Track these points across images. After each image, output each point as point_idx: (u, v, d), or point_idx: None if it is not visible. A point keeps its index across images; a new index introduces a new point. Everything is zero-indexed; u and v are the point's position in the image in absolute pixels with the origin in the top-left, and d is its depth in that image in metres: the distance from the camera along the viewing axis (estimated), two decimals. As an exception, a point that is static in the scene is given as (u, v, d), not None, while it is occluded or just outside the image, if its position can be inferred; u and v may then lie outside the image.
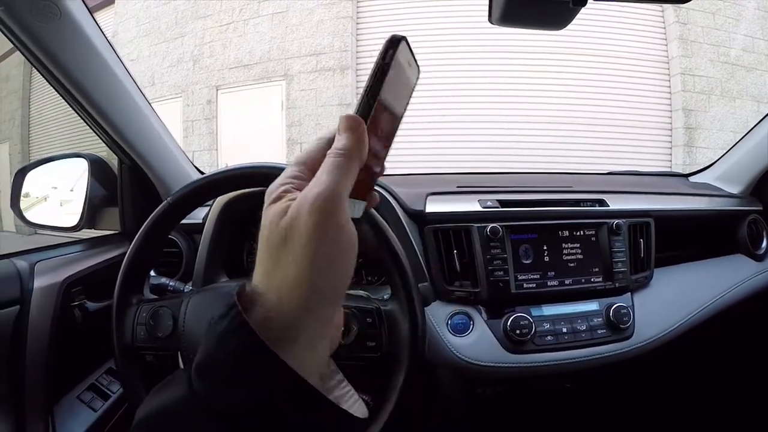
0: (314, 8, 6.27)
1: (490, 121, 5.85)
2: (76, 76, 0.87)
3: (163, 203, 0.76)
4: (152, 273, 0.99)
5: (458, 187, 1.12)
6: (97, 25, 0.87)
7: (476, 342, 0.97)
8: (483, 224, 0.99)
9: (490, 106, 5.88)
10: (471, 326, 0.98)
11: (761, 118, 1.29)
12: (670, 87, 6.14)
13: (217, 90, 6.68)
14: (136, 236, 0.76)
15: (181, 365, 0.75)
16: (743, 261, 1.25)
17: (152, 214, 0.76)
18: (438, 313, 0.99)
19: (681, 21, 6.04)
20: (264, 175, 0.74)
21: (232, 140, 6.48)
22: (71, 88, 0.88)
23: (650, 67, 6.14)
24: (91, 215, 1.08)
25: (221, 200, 1.01)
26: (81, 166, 1.10)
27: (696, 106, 6.01)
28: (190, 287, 0.99)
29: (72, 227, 1.06)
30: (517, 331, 0.95)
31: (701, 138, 5.95)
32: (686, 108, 5.98)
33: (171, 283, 0.98)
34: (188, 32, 6.89)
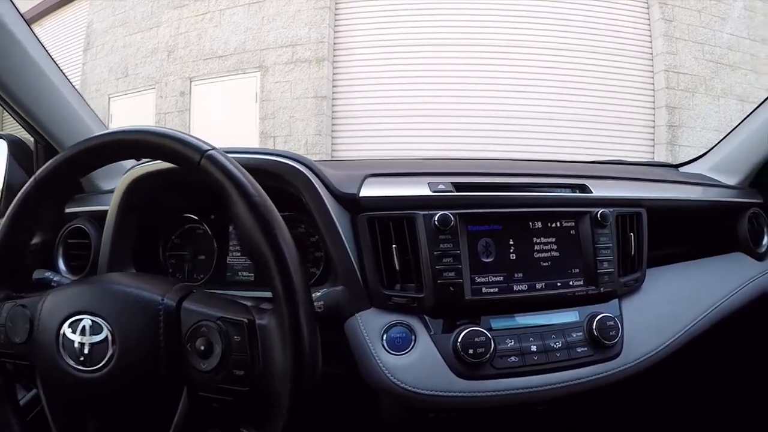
0: (291, -2, 6.23)
1: (467, 115, 5.86)
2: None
3: (28, 182, 0.65)
4: (61, 266, 0.95)
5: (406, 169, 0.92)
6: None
7: (417, 363, 0.76)
8: (431, 212, 0.78)
9: (468, 99, 5.88)
10: (412, 342, 0.77)
11: (757, 105, 1.16)
12: (653, 84, 6.22)
13: (191, 81, 6.65)
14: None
15: (38, 381, 0.59)
16: (744, 260, 1.10)
17: (17, 196, 0.65)
18: (371, 324, 0.78)
19: (666, 18, 6.18)
20: (137, 142, 0.61)
21: (205, 133, 6.27)
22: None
23: (634, 64, 6.22)
24: (9, 201, 0.95)
25: (125, 180, 0.86)
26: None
27: (680, 104, 6.09)
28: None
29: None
30: (471, 351, 0.73)
31: (684, 136, 6.03)
32: (670, 105, 6.06)
33: (55, 278, 0.82)
34: (164, 22, 6.87)
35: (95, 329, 0.54)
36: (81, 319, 0.55)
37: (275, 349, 0.53)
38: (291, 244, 0.53)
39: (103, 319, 0.55)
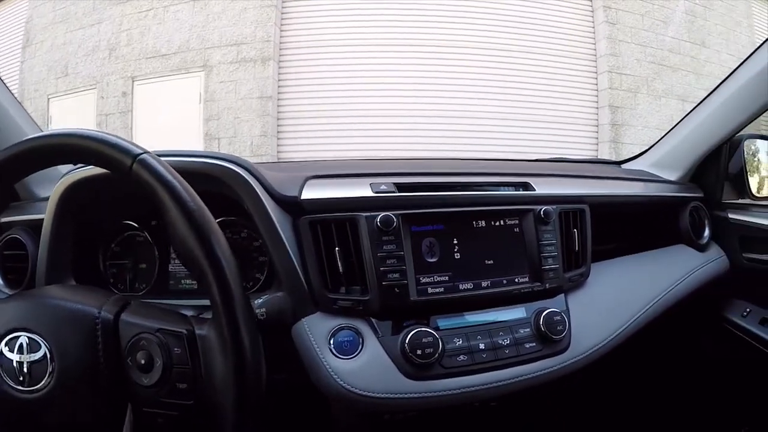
0: (238, -5, 6.09)
1: (412, 115, 5.88)
2: None
3: None
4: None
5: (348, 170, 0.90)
6: None
7: (366, 366, 0.74)
8: (373, 213, 0.76)
9: (413, 99, 5.90)
10: (360, 345, 0.75)
11: (697, 104, 1.19)
12: (597, 84, 6.40)
13: (133, 81, 6.39)
14: None
15: None
16: (686, 252, 1.13)
17: None
18: (318, 329, 0.75)
19: (610, 21, 6.38)
20: (64, 147, 0.58)
21: (148, 135, 6.15)
22: None
23: (579, 65, 6.38)
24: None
25: (60, 187, 0.80)
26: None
27: (622, 104, 6.29)
28: None
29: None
30: (419, 351, 0.72)
31: (627, 134, 6.22)
32: (612, 105, 6.24)
33: None
34: (106, 18, 6.56)
35: (33, 347, 0.52)
36: (18, 337, 0.52)
37: (216, 360, 0.52)
38: (227, 252, 0.51)
39: (40, 335, 0.52)
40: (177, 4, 6.26)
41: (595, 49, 6.38)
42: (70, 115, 6.57)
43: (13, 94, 1.01)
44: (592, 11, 6.42)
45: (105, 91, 6.45)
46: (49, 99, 6.78)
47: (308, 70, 5.98)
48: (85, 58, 6.58)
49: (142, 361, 0.52)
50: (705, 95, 1.16)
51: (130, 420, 0.54)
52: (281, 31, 6.05)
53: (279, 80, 5.98)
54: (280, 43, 6.04)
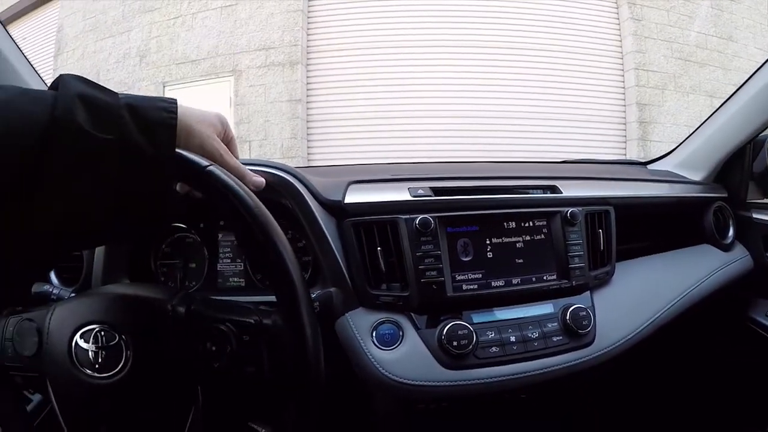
0: (264, 1, 6.16)
1: (440, 116, 5.89)
2: None
3: None
4: (54, 279, 0.93)
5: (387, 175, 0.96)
6: None
7: (406, 356, 0.80)
8: (412, 216, 0.82)
9: (442, 100, 5.91)
10: (400, 337, 0.81)
11: (722, 103, 1.20)
12: (624, 82, 6.31)
13: (164, 86, 6.51)
14: None
15: (50, 391, 0.59)
16: (710, 251, 1.14)
17: None
18: (361, 323, 0.82)
19: (635, 17, 6.27)
20: None
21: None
22: None
23: (605, 63, 6.31)
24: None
25: None
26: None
27: (650, 101, 6.19)
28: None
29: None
30: (455, 343, 0.78)
31: (655, 132, 6.13)
32: (640, 102, 6.15)
33: (54, 291, 0.83)
34: (135, 26, 6.70)
35: (108, 337, 0.56)
36: (93, 329, 0.56)
37: (282, 347, 0.57)
38: (290, 250, 0.56)
39: (114, 326, 0.56)
40: (205, 11, 6.38)
41: (621, 47, 6.31)
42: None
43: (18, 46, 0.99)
44: (616, 8, 6.35)
45: (137, 97, 6.60)
46: (82, 106, 6.92)
47: (336, 73, 6.04)
48: (116, 65, 6.71)
49: (213, 348, 0.57)
50: (733, 91, 1.17)
51: (198, 403, 0.60)
52: (308, 35, 6.12)
53: (307, 83, 6.05)
54: (308, 46, 6.11)
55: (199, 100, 6.25)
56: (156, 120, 0.49)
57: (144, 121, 0.48)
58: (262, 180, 0.66)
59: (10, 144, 0.41)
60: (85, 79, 0.47)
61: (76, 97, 0.44)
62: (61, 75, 0.46)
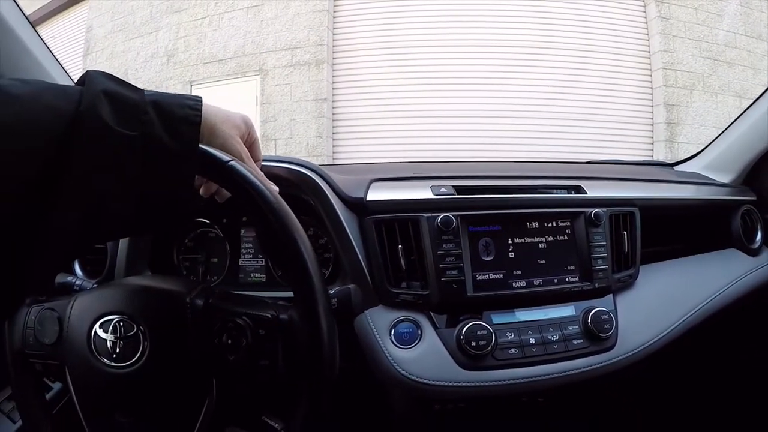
0: (290, 1, 6.19)
1: (465, 115, 5.83)
2: None
3: None
4: (78, 270, 0.95)
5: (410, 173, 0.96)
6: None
7: (424, 356, 0.79)
8: (434, 214, 0.82)
9: (467, 100, 5.86)
10: (419, 336, 0.81)
11: (750, 103, 1.17)
12: (651, 82, 6.19)
13: (191, 85, 6.56)
14: None
15: (69, 379, 0.61)
16: (737, 256, 1.11)
17: None
18: (380, 321, 0.82)
19: (663, 16, 6.13)
20: None
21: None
22: None
23: (632, 62, 6.19)
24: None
25: None
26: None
27: (678, 101, 6.05)
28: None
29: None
30: (473, 343, 0.78)
31: (683, 133, 5.99)
32: (668, 103, 6.02)
33: (77, 282, 0.85)
34: (163, 27, 6.78)
35: (127, 328, 0.57)
36: (112, 320, 0.57)
37: (297, 342, 0.57)
38: (309, 246, 0.56)
39: (133, 317, 0.57)
40: (231, 12, 6.44)
41: (648, 46, 6.18)
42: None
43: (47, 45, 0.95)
44: (644, 6, 6.22)
45: (165, 95, 6.70)
46: (110, 104, 7.06)
47: (361, 73, 6.05)
48: (145, 64, 6.80)
49: (229, 341, 0.58)
50: (762, 91, 1.14)
51: (212, 395, 0.60)
52: (334, 34, 6.15)
53: (333, 83, 6.07)
54: (333, 46, 6.13)
55: (226, 98, 6.32)
56: (180, 117, 0.49)
57: (168, 117, 0.49)
58: (275, 188, 0.67)
59: (36, 134, 0.42)
60: (112, 75, 0.48)
61: (102, 93, 0.45)
62: (87, 71, 0.47)
